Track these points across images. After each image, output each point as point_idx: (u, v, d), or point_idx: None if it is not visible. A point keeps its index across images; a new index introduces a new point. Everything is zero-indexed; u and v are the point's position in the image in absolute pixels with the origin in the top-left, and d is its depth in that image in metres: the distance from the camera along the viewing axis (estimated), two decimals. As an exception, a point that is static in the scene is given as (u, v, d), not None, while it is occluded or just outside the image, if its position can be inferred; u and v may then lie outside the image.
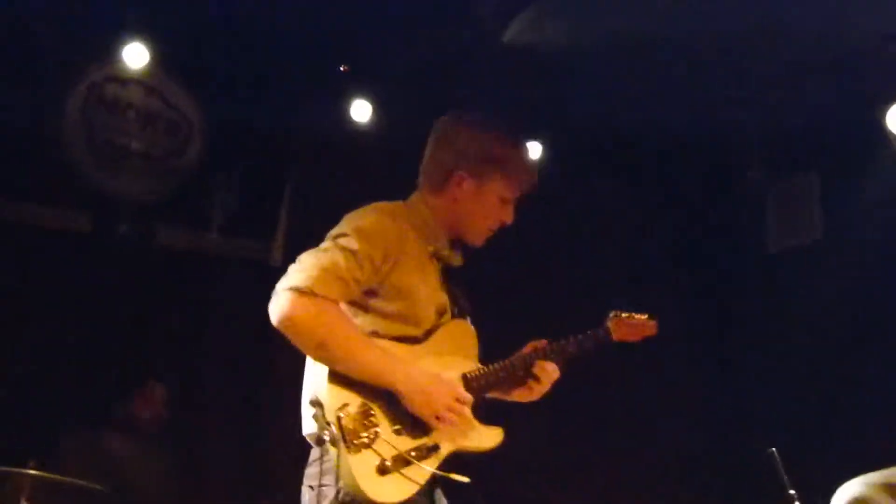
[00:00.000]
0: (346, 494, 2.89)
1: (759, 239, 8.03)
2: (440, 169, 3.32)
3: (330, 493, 2.92)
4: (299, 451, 6.31)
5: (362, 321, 3.11)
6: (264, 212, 7.23)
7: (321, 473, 2.96)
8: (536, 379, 3.40)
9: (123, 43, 6.47)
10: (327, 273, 2.96)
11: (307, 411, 3.01)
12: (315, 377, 3.01)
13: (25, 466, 4.77)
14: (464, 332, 3.35)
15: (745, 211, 8.11)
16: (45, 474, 4.77)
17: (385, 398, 3.00)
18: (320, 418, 2.83)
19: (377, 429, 2.94)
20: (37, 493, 4.77)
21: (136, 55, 6.53)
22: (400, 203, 3.35)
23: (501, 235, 3.51)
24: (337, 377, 2.95)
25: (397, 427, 3.01)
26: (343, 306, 3.06)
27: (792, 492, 4.06)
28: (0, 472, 4.72)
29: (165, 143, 7.04)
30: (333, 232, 3.14)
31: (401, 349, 3.10)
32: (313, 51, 6.57)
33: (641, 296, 7.58)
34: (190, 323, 6.94)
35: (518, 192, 3.35)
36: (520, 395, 3.48)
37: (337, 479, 2.86)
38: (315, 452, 3.08)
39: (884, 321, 6.88)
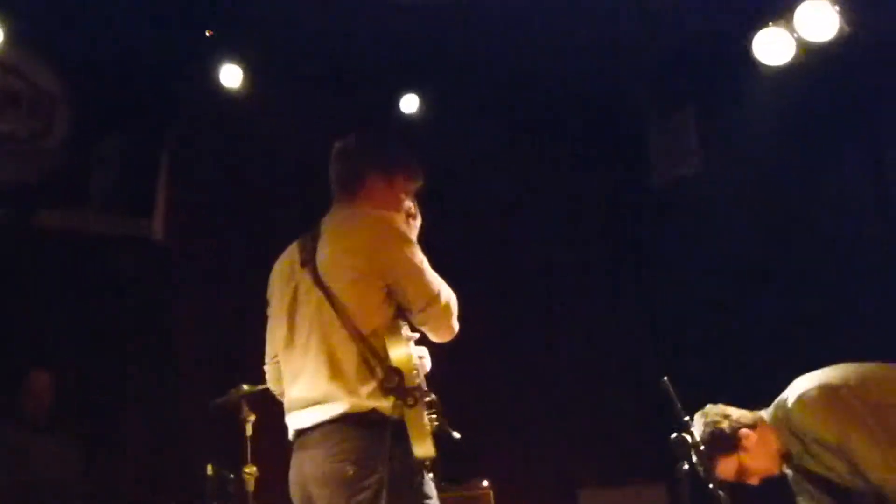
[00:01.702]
0: (405, 454, 3.33)
1: (643, 172, 8.16)
2: (353, 177, 3.74)
3: (377, 460, 3.29)
4: (202, 425, 6.31)
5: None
6: (142, 186, 7.06)
7: (365, 447, 3.30)
8: None
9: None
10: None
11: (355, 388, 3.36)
12: (393, 349, 3.38)
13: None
14: None
15: (628, 147, 8.22)
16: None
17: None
18: (402, 386, 3.29)
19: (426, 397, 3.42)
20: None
21: (-11, 35, 6.27)
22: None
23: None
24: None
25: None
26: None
27: (686, 418, 4.14)
28: None
29: (30, 124, 6.81)
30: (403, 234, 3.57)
31: None
32: (178, 16, 6.41)
33: (533, 236, 7.88)
34: (75, 304, 6.75)
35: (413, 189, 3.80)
36: None
37: (399, 442, 3.30)
38: (338, 433, 3.34)
39: (761, 245, 7.06)
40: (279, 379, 3.68)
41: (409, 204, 3.79)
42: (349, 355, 3.38)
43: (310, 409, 3.42)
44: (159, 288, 7.05)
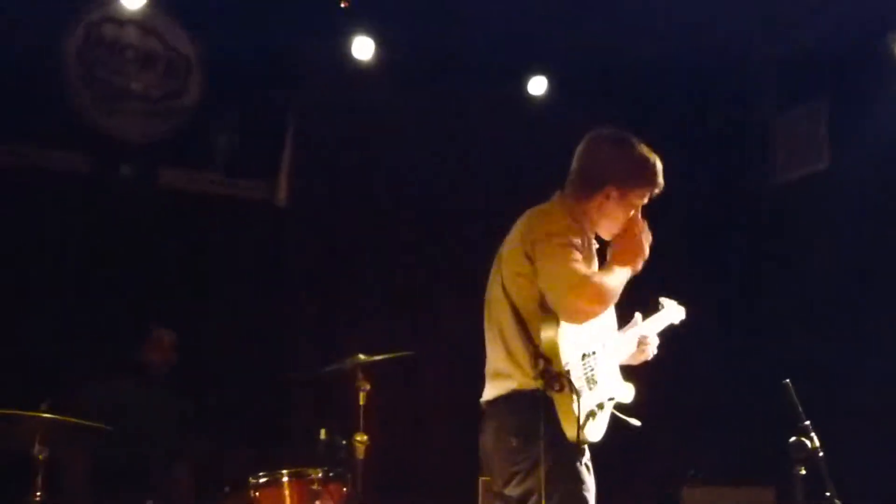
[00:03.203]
0: (559, 434, 3.41)
1: (768, 169, 8.00)
2: (590, 180, 3.80)
3: (537, 436, 3.38)
4: (312, 392, 6.40)
5: None
6: (267, 150, 7.18)
7: (526, 422, 3.44)
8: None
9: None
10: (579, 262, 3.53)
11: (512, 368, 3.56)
12: (541, 333, 3.49)
13: (38, 409, 4.78)
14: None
15: (752, 141, 8.07)
16: (58, 416, 4.78)
17: (584, 360, 3.60)
18: (550, 371, 3.36)
19: (583, 381, 3.55)
20: (50, 434, 4.79)
21: (132, -5, 6.44)
22: (559, 202, 3.82)
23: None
24: (562, 339, 3.49)
25: (591, 384, 3.62)
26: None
27: (807, 422, 4.07)
28: (14, 415, 4.73)
29: (164, 84, 6.98)
30: (545, 230, 3.60)
31: None
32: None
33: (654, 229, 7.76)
34: (195, 265, 6.91)
35: (647, 198, 3.88)
36: (635, 359, 4.13)
37: (551, 422, 3.39)
38: (507, 408, 3.56)
39: (887, 250, 6.88)
40: None
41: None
42: (514, 337, 3.57)
43: (491, 382, 3.66)
44: (280, 253, 7.17)
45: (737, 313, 7.87)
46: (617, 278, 3.65)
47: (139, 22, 6.86)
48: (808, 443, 4.04)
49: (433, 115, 7.24)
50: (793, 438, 4.04)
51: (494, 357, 3.66)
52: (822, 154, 7.56)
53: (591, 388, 3.59)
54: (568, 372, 3.42)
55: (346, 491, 5.13)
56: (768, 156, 8.05)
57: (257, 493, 5.18)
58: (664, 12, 6.67)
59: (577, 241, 3.58)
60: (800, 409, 4.07)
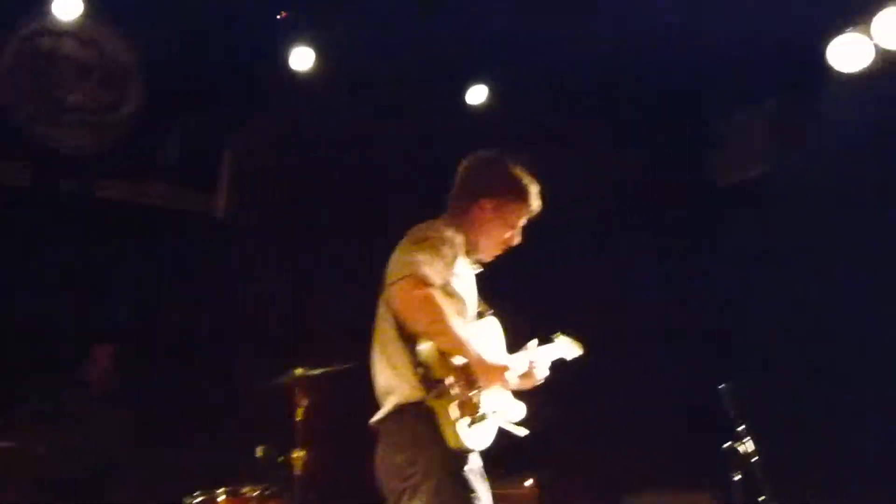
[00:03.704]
0: (442, 444, 3.45)
1: (713, 171, 8.06)
2: (466, 193, 3.95)
3: (422, 449, 3.48)
4: (252, 407, 6.34)
5: None
6: (207, 162, 7.13)
7: (410, 436, 3.53)
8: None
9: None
10: (435, 266, 3.56)
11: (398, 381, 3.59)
12: (415, 349, 3.53)
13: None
14: (493, 328, 4.00)
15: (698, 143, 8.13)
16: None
17: (465, 369, 3.57)
18: (429, 378, 3.45)
19: (467, 390, 3.53)
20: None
21: (68, 6, 6.37)
22: (439, 220, 3.90)
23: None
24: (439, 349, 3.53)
25: (475, 392, 3.58)
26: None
27: (742, 427, 4.09)
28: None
29: (102, 96, 6.90)
30: (420, 235, 3.71)
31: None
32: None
33: (594, 229, 7.80)
34: (135, 277, 6.85)
35: (524, 219, 3.99)
36: (525, 384, 4.07)
37: (435, 432, 3.44)
38: (392, 426, 3.60)
39: (826, 253, 6.95)
40: None
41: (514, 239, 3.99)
42: (397, 351, 3.60)
43: (382, 403, 3.67)
44: (219, 265, 7.11)
45: (676, 318, 7.91)
46: (455, 333, 3.54)
47: (76, 33, 6.76)
48: (741, 448, 4.05)
49: (372, 125, 7.21)
50: (726, 444, 4.06)
51: (382, 376, 3.67)
52: (768, 156, 7.63)
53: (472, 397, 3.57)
54: (445, 379, 3.46)
55: (284, 508, 5.08)
56: (713, 158, 8.11)
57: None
58: (609, 15, 6.67)
59: (446, 248, 3.64)
60: (734, 414, 4.08)
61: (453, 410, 3.44)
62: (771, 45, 6.76)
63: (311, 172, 7.35)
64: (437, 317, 3.46)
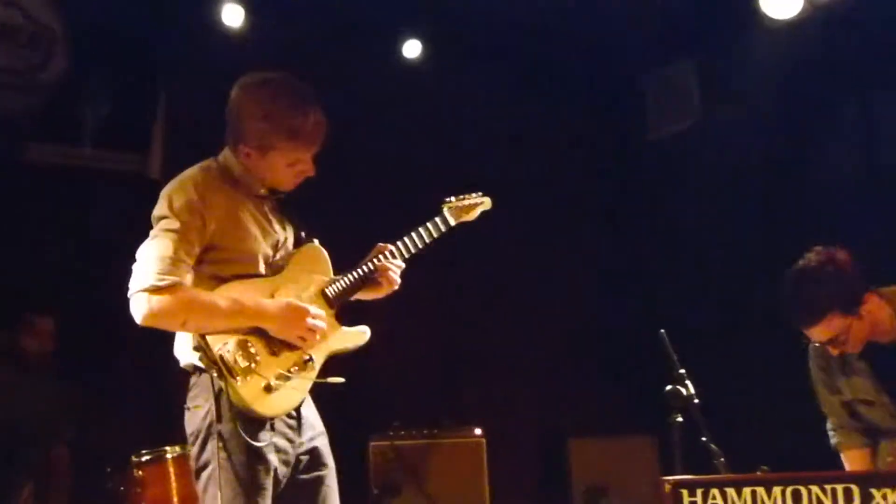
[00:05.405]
0: (240, 414, 3.31)
1: (641, 125, 8.12)
2: (231, 136, 3.61)
3: (202, 411, 3.38)
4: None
5: (204, 268, 3.45)
6: (139, 122, 7.01)
7: (195, 396, 3.43)
8: (386, 277, 3.81)
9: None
10: (164, 261, 3.32)
11: (185, 346, 3.45)
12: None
13: None
14: (315, 254, 3.74)
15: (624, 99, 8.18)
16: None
17: (256, 331, 3.42)
18: (205, 360, 3.31)
19: (256, 356, 3.38)
20: None
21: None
22: (211, 163, 3.61)
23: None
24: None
25: (274, 350, 3.44)
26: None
27: (682, 371, 4.16)
28: None
29: (27, 57, 6.74)
30: (156, 214, 3.46)
31: (255, 284, 3.50)
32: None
33: (532, 186, 7.85)
34: (68, 242, 6.73)
35: (305, 154, 3.60)
36: (374, 293, 3.87)
37: (216, 399, 3.31)
38: (192, 379, 3.48)
39: (757, 203, 7.07)
40: None
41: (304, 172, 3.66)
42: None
43: None
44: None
45: (617, 267, 8.02)
46: (223, 303, 3.34)
47: (-2, -5, 6.62)
48: (683, 391, 4.12)
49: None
50: (668, 387, 4.12)
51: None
52: (694, 109, 7.71)
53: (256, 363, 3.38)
54: (223, 356, 3.31)
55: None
56: (641, 112, 8.17)
57: (141, 472, 5.11)
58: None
59: (194, 219, 3.36)
60: (674, 358, 4.14)
61: (250, 380, 3.34)
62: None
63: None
64: (188, 317, 3.30)
